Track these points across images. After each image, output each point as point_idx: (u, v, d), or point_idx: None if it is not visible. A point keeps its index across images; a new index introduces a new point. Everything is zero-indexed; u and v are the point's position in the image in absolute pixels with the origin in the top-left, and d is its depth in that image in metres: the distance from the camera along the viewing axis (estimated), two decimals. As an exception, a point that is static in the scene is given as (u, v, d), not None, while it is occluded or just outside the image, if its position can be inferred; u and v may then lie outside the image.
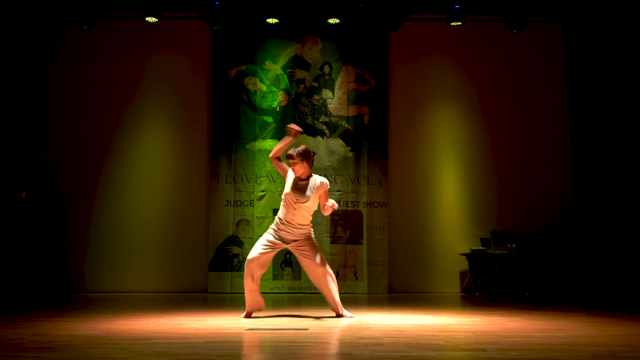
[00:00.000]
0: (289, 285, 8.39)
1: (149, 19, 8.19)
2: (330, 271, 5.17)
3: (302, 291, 8.30)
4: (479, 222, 8.66)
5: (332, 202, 4.92)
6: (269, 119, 8.69)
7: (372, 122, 8.71)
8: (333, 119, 8.73)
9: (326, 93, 8.76)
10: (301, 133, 5.19)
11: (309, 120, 8.70)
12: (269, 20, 8.43)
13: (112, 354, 3.41)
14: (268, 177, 8.54)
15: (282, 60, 8.79)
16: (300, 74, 8.78)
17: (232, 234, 8.48)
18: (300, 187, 5.02)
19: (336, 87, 8.77)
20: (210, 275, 8.38)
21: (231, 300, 7.21)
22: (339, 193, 8.61)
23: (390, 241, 8.59)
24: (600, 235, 7.92)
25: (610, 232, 7.79)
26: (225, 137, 8.64)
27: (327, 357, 3.43)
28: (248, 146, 8.62)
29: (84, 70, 8.77)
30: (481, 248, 8.26)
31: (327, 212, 5.00)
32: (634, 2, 7.52)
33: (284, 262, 8.38)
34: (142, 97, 8.79)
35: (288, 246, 5.13)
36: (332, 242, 8.49)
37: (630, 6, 7.57)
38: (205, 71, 8.84)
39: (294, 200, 4.99)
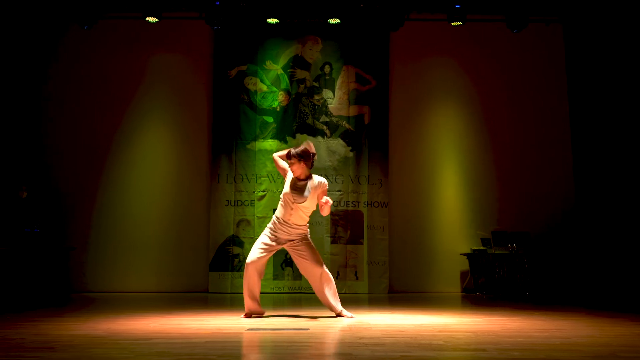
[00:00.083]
0: (290, 285, 8.39)
1: (149, 19, 8.20)
2: (328, 272, 5.14)
3: (302, 291, 8.30)
4: (480, 222, 8.66)
5: (326, 199, 4.90)
6: (270, 119, 8.69)
7: (372, 122, 8.71)
8: (333, 119, 8.73)
9: (327, 93, 8.76)
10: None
11: (310, 120, 8.70)
12: (270, 20, 8.43)
13: (113, 354, 3.42)
14: (268, 177, 8.54)
15: (283, 60, 8.79)
16: (300, 74, 8.78)
17: (233, 234, 8.48)
18: (298, 187, 5.03)
19: (337, 87, 8.77)
20: (211, 275, 8.38)
21: (232, 300, 7.21)
22: (340, 193, 8.61)
23: (390, 241, 8.59)
24: (600, 235, 7.92)
25: (610, 231, 7.79)
26: (226, 137, 8.65)
27: (327, 357, 3.43)
28: (248, 146, 8.62)
29: (85, 70, 8.77)
30: (482, 248, 8.26)
31: (325, 212, 4.94)
32: (634, 2, 7.52)
33: (285, 262, 8.38)
34: (143, 97, 8.79)
35: (284, 246, 5.13)
36: (332, 242, 8.49)
37: (631, 6, 7.57)
38: (206, 71, 8.84)
39: (292, 200, 5.00)
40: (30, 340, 3.85)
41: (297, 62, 8.79)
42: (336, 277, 7.78)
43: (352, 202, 8.62)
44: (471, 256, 8.41)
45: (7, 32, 8.37)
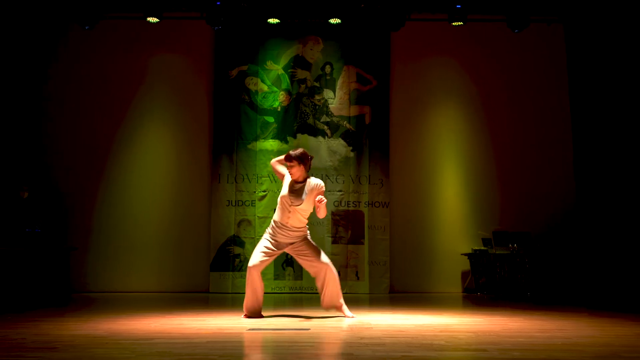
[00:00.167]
0: (291, 285, 8.39)
1: (150, 19, 8.19)
2: (332, 267, 5.16)
3: (303, 291, 8.30)
4: (481, 222, 8.65)
5: (320, 197, 4.90)
6: (270, 119, 8.69)
7: (373, 122, 8.71)
8: (334, 119, 8.73)
9: (327, 93, 8.76)
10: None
11: (310, 121, 8.70)
12: (270, 21, 8.43)
13: (114, 354, 3.42)
14: (269, 177, 8.54)
15: (284, 60, 8.79)
16: (301, 74, 8.78)
17: (234, 234, 8.48)
18: (295, 189, 5.07)
19: (337, 87, 8.77)
20: (212, 275, 8.38)
21: (232, 300, 7.21)
22: (341, 193, 8.61)
23: (391, 241, 8.59)
24: (601, 235, 7.91)
25: (611, 231, 7.77)
26: (227, 137, 8.65)
27: (328, 357, 3.43)
28: (249, 146, 8.62)
29: (85, 70, 8.77)
30: (483, 248, 8.25)
31: (321, 214, 4.96)
32: (635, 2, 7.52)
33: (285, 262, 8.38)
34: (144, 97, 8.80)
35: (286, 250, 5.16)
36: (333, 242, 8.49)
37: (632, 6, 7.56)
38: (207, 71, 8.84)
39: (289, 203, 5.03)
40: (31, 340, 3.85)
41: (298, 62, 8.79)
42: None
43: (353, 202, 8.62)
44: (472, 256, 8.41)
45: (7, 32, 8.37)
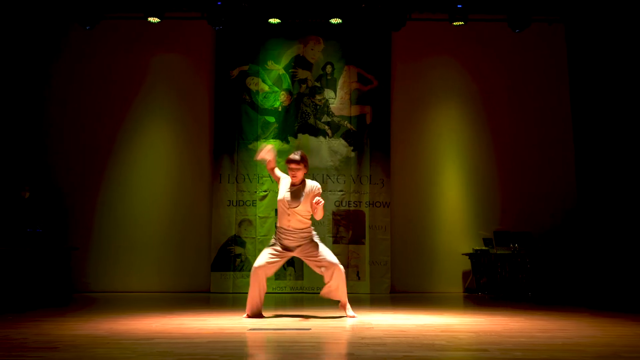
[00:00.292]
0: (292, 285, 8.39)
1: (151, 19, 8.20)
2: (341, 267, 5.19)
3: (304, 291, 8.30)
4: (482, 222, 8.65)
5: (317, 199, 4.94)
6: (271, 119, 8.69)
7: (374, 122, 8.71)
8: (335, 119, 8.72)
9: (328, 93, 8.76)
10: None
11: (311, 120, 8.70)
12: (271, 21, 8.43)
13: (115, 354, 3.42)
14: (270, 177, 8.52)
15: (284, 60, 8.79)
16: (302, 74, 8.78)
17: (235, 234, 8.48)
18: (292, 192, 5.11)
19: (338, 87, 8.77)
20: (213, 275, 8.38)
21: (233, 300, 7.21)
22: (342, 193, 8.61)
23: (392, 241, 8.58)
24: (603, 235, 7.91)
25: (613, 231, 7.77)
26: (228, 137, 8.65)
27: (329, 357, 3.43)
28: (250, 146, 8.62)
29: (87, 70, 8.78)
30: (484, 248, 8.25)
31: (318, 215, 4.99)
32: (636, 2, 7.51)
33: (287, 262, 8.35)
34: (145, 97, 8.80)
35: (294, 253, 5.18)
36: (334, 242, 8.48)
37: (633, 6, 7.55)
38: (208, 71, 8.84)
39: (287, 206, 5.08)
40: (33, 340, 3.85)
41: (299, 62, 8.79)
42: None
43: (354, 202, 8.62)
44: (473, 256, 8.41)
45: (9, 32, 8.38)
